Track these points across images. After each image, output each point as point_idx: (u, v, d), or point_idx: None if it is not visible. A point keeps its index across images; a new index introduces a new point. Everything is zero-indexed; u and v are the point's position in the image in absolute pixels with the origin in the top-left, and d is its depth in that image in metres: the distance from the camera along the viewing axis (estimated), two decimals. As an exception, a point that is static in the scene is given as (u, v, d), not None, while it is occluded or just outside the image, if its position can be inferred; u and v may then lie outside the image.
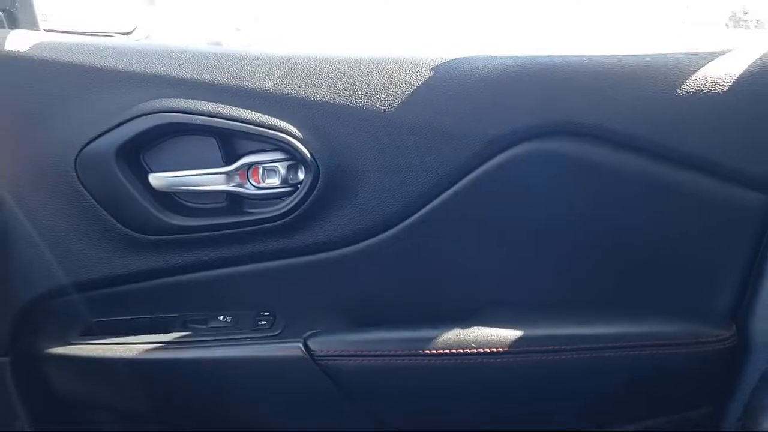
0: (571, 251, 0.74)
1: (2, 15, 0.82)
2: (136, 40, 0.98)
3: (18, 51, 0.70)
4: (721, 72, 0.72)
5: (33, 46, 0.70)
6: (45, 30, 0.84)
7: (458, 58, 0.72)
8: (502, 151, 0.71)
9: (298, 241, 0.74)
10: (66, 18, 0.92)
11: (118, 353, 0.70)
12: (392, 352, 0.70)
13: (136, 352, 0.70)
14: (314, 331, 0.72)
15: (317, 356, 0.70)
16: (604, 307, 0.74)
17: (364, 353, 0.71)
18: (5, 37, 0.71)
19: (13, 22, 0.82)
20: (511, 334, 0.70)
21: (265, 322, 0.73)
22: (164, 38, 1.02)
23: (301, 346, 0.70)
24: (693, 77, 0.72)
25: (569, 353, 0.70)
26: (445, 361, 0.70)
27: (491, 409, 0.73)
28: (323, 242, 0.75)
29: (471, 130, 0.70)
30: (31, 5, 0.85)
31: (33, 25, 0.84)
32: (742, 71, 0.72)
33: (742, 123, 0.72)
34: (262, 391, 0.72)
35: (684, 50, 0.75)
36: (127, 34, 0.97)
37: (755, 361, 0.73)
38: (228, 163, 0.71)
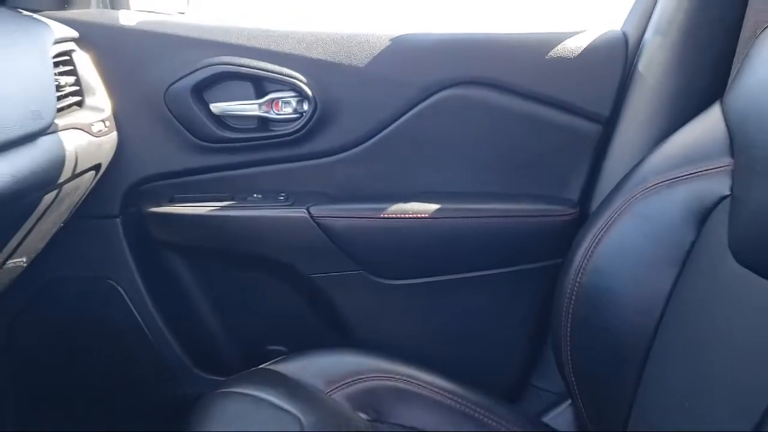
0: (475, 157, 1.09)
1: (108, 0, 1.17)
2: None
3: (128, 25, 1.04)
4: (575, 45, 1.06)
5: (138, 22, 1.05)
6: (135, 10, 1.19)
7: (405, 34, 1.07)
8: (432, 94, 1.05)
9: (303, 150, 1.09)
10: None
11: (192, 212, 1.06)
12: (364, 216, 1.05)
13: (203, 211, 1.05)
14: (314, 203, 1.07)
15: (315, 217, 1.05)
16: (497, 193, 1.09)
17: (346, 216, 1.05)
18: (118, 16, 1.06)
19: (114, 5, 1.17)
20: (436, 207, 1.05)
21: (282, 198, 1.08)
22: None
23: (305, 210, 1.05)
24: (557, 48, 1.07)
25: (473, 220, 1.06)
26: (397, 222, 1.05)
27: (424, 255, 1.09)
28: (320, 151, 1.09)
29: (412, 80, 1.05)
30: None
31: (126, 5, 1.18)
32: (587, 45, 1.07)
33: (586, 78, 1.07)
34: (279, 239, 1.07)
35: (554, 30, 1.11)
36: (182, 13, 1.31)
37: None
38: (258, 98, 1.06)
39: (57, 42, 0.91)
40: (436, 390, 0.94)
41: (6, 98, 0.72)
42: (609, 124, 1.07)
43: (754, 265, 0.74)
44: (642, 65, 1.05)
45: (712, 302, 0.83)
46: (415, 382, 0.94)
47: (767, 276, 0.72)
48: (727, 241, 0.79)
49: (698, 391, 0.77)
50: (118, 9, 1.13)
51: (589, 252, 0.90)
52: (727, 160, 0.84)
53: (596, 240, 0.90)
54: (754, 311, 0.73)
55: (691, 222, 0.85)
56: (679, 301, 0.85)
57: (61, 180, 0.84)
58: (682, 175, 0.87)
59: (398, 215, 1.05)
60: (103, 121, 0.97)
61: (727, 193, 0.83)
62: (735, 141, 0.84)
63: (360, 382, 0.93)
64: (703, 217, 0.85)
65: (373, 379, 0.93)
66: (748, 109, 0.83)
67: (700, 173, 0.86)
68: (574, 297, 0.92)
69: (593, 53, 1.06)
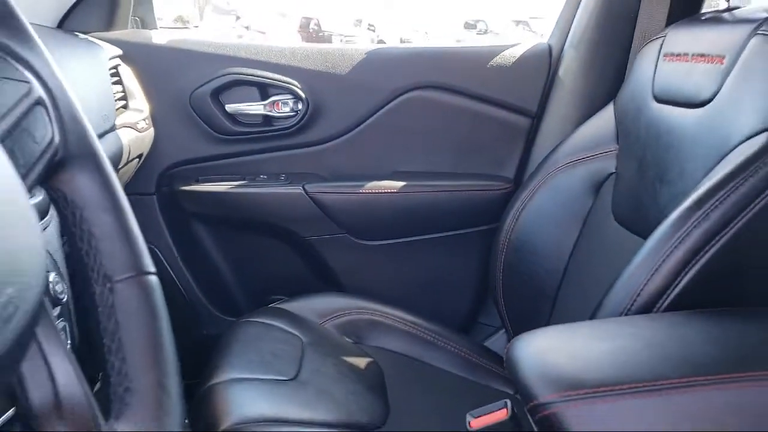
0: (432, 145, 1.35)
1: (138, 20, 1.42)
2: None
3: (160, 43, 1.30)
4: (511, 55, 1.34)
5: (168, 40, 1.31)
6: (160, 27, 1.44)
7: (377, 48, 1.33)
8: (399, 96, 1.32)
9: (298, 140, 1.35)
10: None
11: (213, 189, 1.31)
12: (347, 191, 1.31)
13: (222, 189, 1.31)
14: (308, 182, 1.33)
15: (309, 193, 1.30)
16: (449, 173, 1.35)
17: (333, 191, 1.31)
18: (151, 35, 1.32)
19: (144, 25, 1.42)
20: (403, 184, 1.31)
21: (283, 178, 1.33)
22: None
23: (301, 187, 1.31)
24: (496, 57, 1.34)
25: (431, 193, 1.32)
26: (372, 196, 1.31)
27: (394, 221, 1.35)
28: (311, 141, 1.36)
29: (383, 84, 1.32)
30: (152, 11, 1.45)
31: (154, 25, 1.43)
32: (520, 54, 1.34)
33: (519, 81, 1.34)
34: (281, 210, 1.33)
35: (490, 43, 1.38)
36: (196, 26, 1.57)
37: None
38: (263, 99, 1.32)
39: (110, 59, 1.17)
40: (402, 321, 1.22)
41: (88, 107, 0.99)
42: (536, 118, 1.34)
43: (626, 224, 1.03)
44: (561, 72, 1.33)
45: (598, 251, 1.12)
46: (387, 315, 1.22)
47: (634, 231, 1.01)
48: (611, 206, 1.08)
49: (585, 311, 1.06)
50: (149, 28, 1.39)
51: (517, 216, 1.19)
52: (614, 146, 1.12)
53: (522, 207, 1.19)
54: (624, 257, 1.01)
55: (589, 193, 1.14)
56: (579, 250, 1.14)
57: (120, 166, 1.10)
58: (584, 157, 1.15)
59: (373, 191, 1.32)
60: (144, 119, 1.23)
61: (613, 171, 1.11)
62: (619, 131, 1.12)
63: (345, 316, 1.21)
64: (596, 188, 1.13)
65: (355, 314, 1.21)
66: (627, 106, 1.11)
67: (596, 156, 1.14)
68: (505, 251, 1.20)
69: (525, 61, 1.34)
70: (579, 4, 1.31)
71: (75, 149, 0.41)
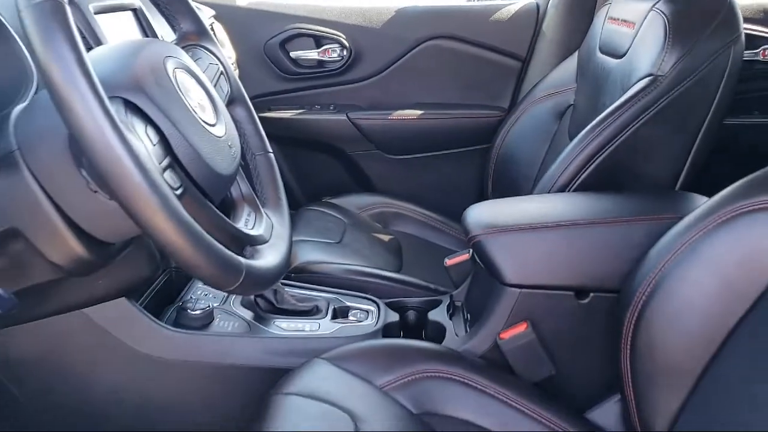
0: (445, 82, 1.75)
1: (223, -15, 1.86)
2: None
3: (242, 5, 1.74)
4: (507, 11, 1.73)
5: (248, 2, 1.75)
6: (240, -10, 1.88)
7: (403, 7, 1.75)
8: (420, 44, 1.72)
9: (344, 79, 1.76)
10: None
11: (281, 116, 1.75)
12: (380, 118, 1.73)
13: (288, 116, 1.74)
14: (351, 111, 1.78)
15: (352, 119, 1.70)
16: (458, 104, 1.77)
17: (370, 118, 1.72)
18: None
19: (229, -11, 1.86)
20: (421, 112, 1.74)
21: (332, 108, 1.75)
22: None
23: (345, 115, 1.71)
24: (495, 13, 1.74)
25: (443, 120, 1.74)
26: (398, 121, 1.72)
27: (414, 140, 1.78)
28: (354, 79, 1.77)
29: (407, 36, 1.72)
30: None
31: (236, -11, 1.87)
32: (515, 11, 1.74)
33: (513, 32, 1.73)
34: (331, 132, 1.75)
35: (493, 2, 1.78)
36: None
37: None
38: (318, 48, 1.74)
39: (208, 18, 1.63)
40: (418, 213, 1.66)
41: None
42: (525, 61, 1.73)
43: (575, 140, 1.45)
44: (545, 26, 1.71)
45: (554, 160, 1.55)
46: (407, 209, 1.67)
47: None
48: (567, 129, 1.50)
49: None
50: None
51: (504, 137, 1.62)
52: (574, 84, 1.53)
53: (509, 130, 1.61)
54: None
55: (555, 119, 1.55)
56: (545, 163, 1.56)
57: (219, 98, 1.58)
58: (554, 92, 1.56)
59: (399, 117, 1.74)
60: (232, 63, 1.69)
61: (572, 102, 1.52)
62: (578, 73, 1.52)
63: (376, 209, 1.66)
64: (560, 116, 1.54)
65: (383, 207, 1.66)
66: (585, 53, 1.51)
67: (562, 91, 1.55)
68: (495, 162, 1.64)
69: (518, 17, 1.73)
70: (561, -28, 1.69)
71: (236, 94, 0.87)
